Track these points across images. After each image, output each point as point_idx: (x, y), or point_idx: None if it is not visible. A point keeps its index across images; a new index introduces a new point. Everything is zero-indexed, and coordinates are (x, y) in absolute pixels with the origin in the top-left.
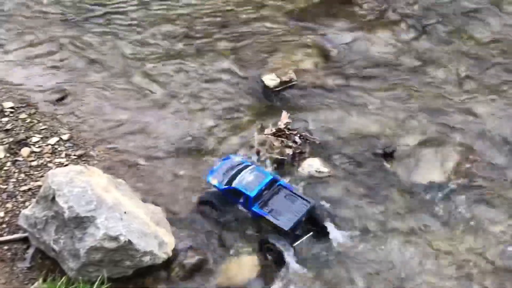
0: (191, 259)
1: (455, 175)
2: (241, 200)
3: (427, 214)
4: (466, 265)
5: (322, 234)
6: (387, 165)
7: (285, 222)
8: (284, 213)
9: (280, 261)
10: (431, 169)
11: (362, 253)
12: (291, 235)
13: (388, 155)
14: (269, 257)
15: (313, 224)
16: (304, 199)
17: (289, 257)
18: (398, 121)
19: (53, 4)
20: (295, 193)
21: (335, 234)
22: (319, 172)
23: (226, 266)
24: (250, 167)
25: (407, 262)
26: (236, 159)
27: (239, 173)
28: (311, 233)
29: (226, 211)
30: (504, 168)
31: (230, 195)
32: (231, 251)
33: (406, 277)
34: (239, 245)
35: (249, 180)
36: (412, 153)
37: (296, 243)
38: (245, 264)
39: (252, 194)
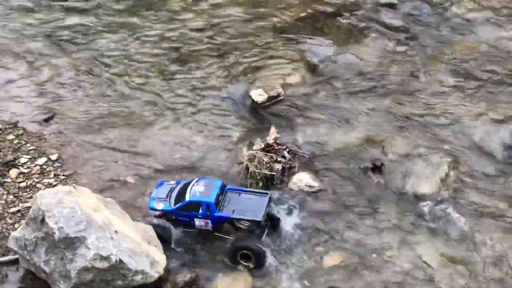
0: (184, 277)
1: (444, 186)
2: (201, 211)
3: (418, 226)
4: (457, 276)
5: (275, 224)
6: (376, 179)
7: (255, 214)
8: (248, 209)
9: (260, 263)
10: (421, 181)
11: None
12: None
13: (377, 168)
14: (248, 265)
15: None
16: (259, 192)
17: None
18: (386, 133)
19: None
20: (248, 190)
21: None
22: (310, 186)
23: (219, 282)
24: (193, 181)
25: (398, 273)
26: (171, 182)
27: (186, 189)
28: (268, 223)
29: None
30: (493, 178)
31: (184, 214)
32: (223, 267)
33: None
34: (230, 263)
35: (201, 190)
36: (401, 165)
37: (263, 237)
38: (237, 279)
39: (212, 200)
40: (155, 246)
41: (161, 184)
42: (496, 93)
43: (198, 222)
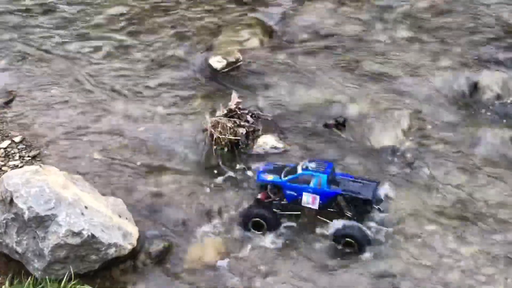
0: (157, 247)
1: (407, 137)
2: (311, 185)
3: (383, 179)
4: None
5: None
6: (340, 134)
7: (366, 194)
8: (358, 190)
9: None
10: (384, 134)
11: None
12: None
13: (340, 125)
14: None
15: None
16: (368, 180)
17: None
18: (347, 90)
19: None
20: (357, 178)
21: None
22: (275, 148)
23: (192, 250)
24: (304, 161)
25: None
26: (280, 163)
27: (296, 167)
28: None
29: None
30: (454, 126)
31: (293, 186)
32: (196, 235)
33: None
34: (203, 229)
35: (313, 166)
36: (363, 120)
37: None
38: (210, 246)
39: (325, 173)
40: (126, 219)
41: (269, 164)
42: (451, 43)
43: (306, 198)
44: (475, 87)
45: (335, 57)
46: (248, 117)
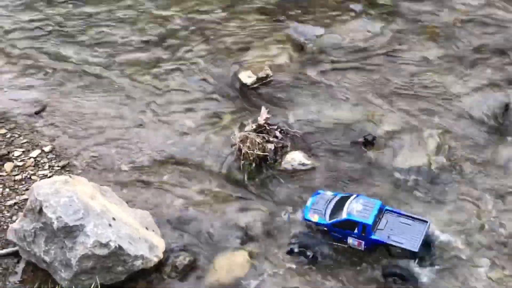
0: (183, 260)
1: (436, 157)
2: (356, 231)
3: (411, 198)
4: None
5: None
6: (369, 153)
7: (412, 243)
8: (405, 235)
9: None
10: (412, 154)
11: None
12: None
13: (369, 143)
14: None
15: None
16: (418, 219)
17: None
18: (376, 108)
19: None
20: (407, 215)
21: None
22: (302, 164)
23: (218, 264)
24: (352, 197)
25: None
26: (328, 193)
27: (343, 204)
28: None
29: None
30: (484, 147)
31: (338, 230)
32: (221, 250)
33: None
34: (228, 244)
35: (359, 209)
36: (392, 139)
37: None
38: (235, 261)
39: (370, 221)
40: (153, 231)
41: (317, 193)
42: (482, 63)
43: (351, 241)
44: (506, 108)
45: (365, 75)
46: (277, 133)
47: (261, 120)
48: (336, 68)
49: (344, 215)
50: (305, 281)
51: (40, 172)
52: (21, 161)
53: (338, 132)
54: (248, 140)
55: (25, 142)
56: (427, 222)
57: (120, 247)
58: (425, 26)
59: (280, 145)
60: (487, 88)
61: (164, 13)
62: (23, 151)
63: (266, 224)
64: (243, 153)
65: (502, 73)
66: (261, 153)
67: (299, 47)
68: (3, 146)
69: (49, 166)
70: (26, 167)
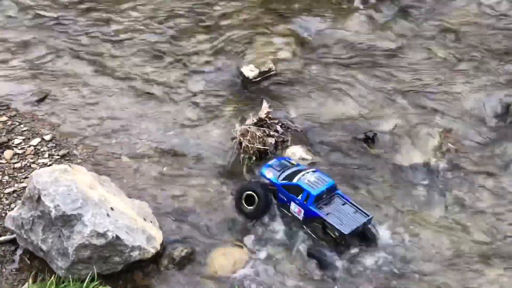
0: (180, 252)
1: (437, 155)
2: (299, 198)
3: (412, 196)
4: (454, 243)
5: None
6: (369, 149)
7: (344, 227)
8: (342, 219)
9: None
10: (413, 151)
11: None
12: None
13: (370, 139)
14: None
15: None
16: (362, 211)
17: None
18: (378, 104)
19: None
20: (354, 204)
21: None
22: (303, 159)
23: (215, 257)
24: (311, 170)
25: (395, 246)
26: (293, 161)
27: (299, 173)
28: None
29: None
30: (485, 146)
31: (285, 192)
32: (219, 242)
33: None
34: (226, 236)
35: (310, 180)
36: (393, 136)
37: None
38: (232, 254)
39: (315, 193)
40: (151, 222)
41: (283, 158)
42: (485, 63)
43: (293, 207)
44: (507, 109)
45: (368, 71)
46: (278, 127)
47: (262, 114)
48: (339, 63)
49: (295, 181)
50: None
51: (40, 161)
52: (21, 149)
53: (339, 127)
54: (249, 134)
55: (25, 130)
56: (369, 216)
57: (117, 237)
58: (432, 25)
59: (281, 139)
60: (490, 88)
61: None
62: (23, 139)
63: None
64: (243, 146)
65: (506, 74)
66: (262, 147)
67: (303, 42)
68: (4, 134)
69: (49, 155)
70: (26, 155)
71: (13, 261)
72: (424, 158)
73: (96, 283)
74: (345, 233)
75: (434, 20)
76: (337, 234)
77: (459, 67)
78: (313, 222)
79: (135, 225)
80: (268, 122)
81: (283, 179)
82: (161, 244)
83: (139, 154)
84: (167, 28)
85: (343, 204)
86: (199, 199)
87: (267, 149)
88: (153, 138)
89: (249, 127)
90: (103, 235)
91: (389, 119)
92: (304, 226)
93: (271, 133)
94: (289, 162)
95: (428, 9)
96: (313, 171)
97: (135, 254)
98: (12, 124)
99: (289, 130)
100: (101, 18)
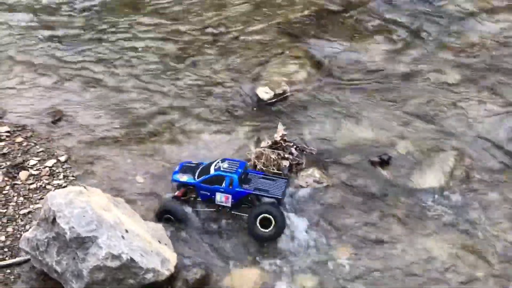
0: (194, 275)
1: (451, 179)
2: (223, 185)
3: (426, 219)
4: (470, 267)
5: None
6: (384, 173)
7: (276, 192)
8: (269, 188)
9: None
10: (428, 175)
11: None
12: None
13: (385, 162)
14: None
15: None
16: (278, 176)
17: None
18: (393, 128)
19: None
20: (267, 175)
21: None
22: (318, 182)
23: (230, 280)
24: (219, 159)
25: (409, 266)
26: (194, 162)
27: (210, 166)
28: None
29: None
30: (500, 171)
31: (206, 187)
32: (234, 265)
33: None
34: (239, 257)
35: (225, 167)
36: (407, 159)
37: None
38: (249, 275)
39: (236, 176)
40: (166, 244)
41: (184, 162)
42: (502, 87)
43: (219, 197)
44: None
45: (383, 94)
46: (293, 150)
47: (277, 137)
48: (354, 86)
49: (212, 172)
50: None
51: (54, 182)
52: (36, 169)
53: (354, 150)
54: (264, 157)
55: (41, 151)
56: (286, 178)
57: (132, 260)
58: (447, 47)
59: (295, 162)
60: (506, 111)
61: (181, 27)
62: (38, 160)
63: (280, 242)
64: (258, 169)
65: None
66: (276, 170)
67: (317, 64)
68: (19, 155)
69: (64, 176)
70: (41, 176)
71: (28, 282)
72: (438, 182)
73: None
74: (280, 197)
75: (449, 43)
76: (274, 200)
77: (474, 90)
78: (242, 202)
79: (149, 247)
80: (283, 144)
81: (199, 176)
82: (176, 267)
83: (154, 175)
84: (180, 49)
85: (260, 178)
86: (214, 220)
87: (282, 172)
88: (167, 159)
89: (264, 150)
90: (117, 257)
91: (404, 142)
92: (232, 212)
93: (286, 156)
94: (191, 163)
95: (443, 32)
96: (221, 160)
97: (149, 277)
98: (28, 145)
99: (304, 152)
100: None
